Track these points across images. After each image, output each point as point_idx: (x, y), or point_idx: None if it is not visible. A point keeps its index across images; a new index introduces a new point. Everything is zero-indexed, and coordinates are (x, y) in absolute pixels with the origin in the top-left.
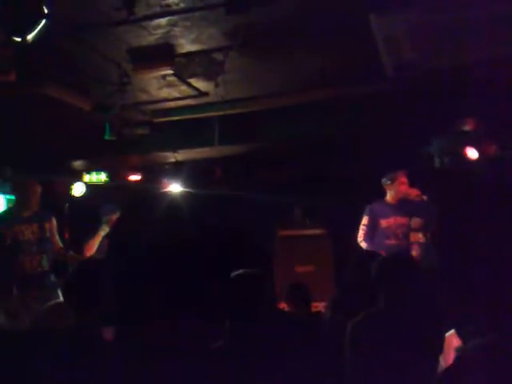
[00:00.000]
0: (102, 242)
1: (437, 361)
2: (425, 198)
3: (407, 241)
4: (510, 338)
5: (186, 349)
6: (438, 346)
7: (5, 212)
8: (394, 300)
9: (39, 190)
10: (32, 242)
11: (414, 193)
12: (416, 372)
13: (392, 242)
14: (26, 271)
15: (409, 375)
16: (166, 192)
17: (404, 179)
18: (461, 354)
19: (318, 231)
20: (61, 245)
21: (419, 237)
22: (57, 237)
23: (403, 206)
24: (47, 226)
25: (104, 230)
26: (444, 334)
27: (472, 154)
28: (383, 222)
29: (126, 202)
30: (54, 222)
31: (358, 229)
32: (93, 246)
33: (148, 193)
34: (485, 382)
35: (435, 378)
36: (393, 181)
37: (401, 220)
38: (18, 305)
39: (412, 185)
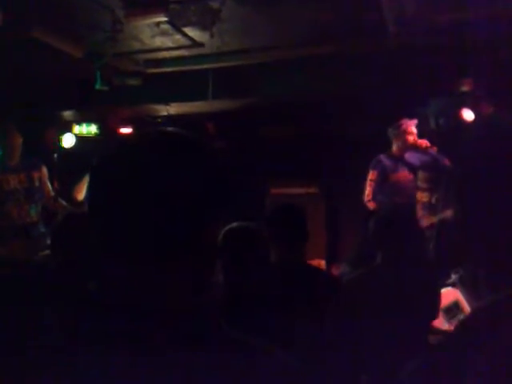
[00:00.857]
0: None
1: (431, 320)
2: (435, 150)
3: (414, 198)
4: None
5: (174, 302)
6: (434, 306)
7: None
8: (391, 259)
9: (20, 139)
10: (19, 192)
11: (423, 143)
12: (411, 332)
13: (402, 199)
14: (13, 221)
15: (403, 335)
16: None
17: (412, 129)
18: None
19: (310, 189)
20: (52, 193)
21: (423, 196)
22: (48, 185)
23: (412, 160)
24: (36, 175)
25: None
26: (439, 297)
27: (468, 115)
28: (392, 177)
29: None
30: (45, 170)
31: (353, 188)
32: (82, 189)
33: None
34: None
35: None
36: (400, 130)
37: (410, 175)
38: (5, 254)
39: (421, 136)
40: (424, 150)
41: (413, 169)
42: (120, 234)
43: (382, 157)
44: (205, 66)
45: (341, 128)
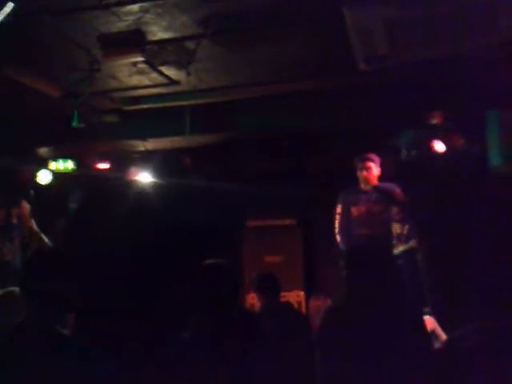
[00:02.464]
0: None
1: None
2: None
3: (383, 229)
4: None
5: (152, 339)
6: (411, 338)
7: None
8: (359, 294)
9: None
10: None
11: (372, 181)
12: (390, 365)
13: (363, 231)
14: None
15: (382, 367)
16: (132, 182)
17: (365, 164)
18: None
19: (287, 221)
20: (35, 229)
21: (396, 227)
22: (30, 221)
23: (376, 193)
24: (15, 211)
25: None
26: (419, 326)
27: (439, 147)
28: (353, 210)
29: (92, 191)
30: (25, 206)
31: (328, 219)
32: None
33: (113, 182)
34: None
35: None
36: (355, 165)
37: (374, 207)
38: None
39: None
40: (372, 188)
41: (379, 201)
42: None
43: (346, 191)
44: (182, 103)
45: (315, 161)
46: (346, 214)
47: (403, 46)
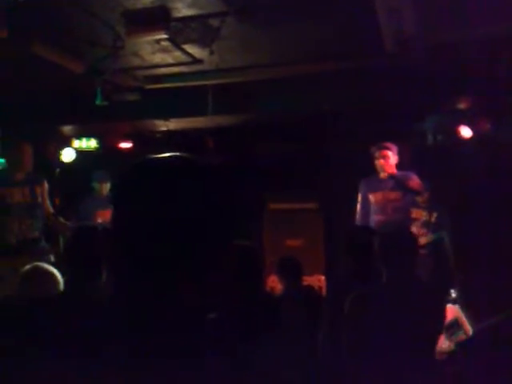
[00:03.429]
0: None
1: (435, 341)
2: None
3: (399, 215)
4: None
5: (180, 320)
6: (440, 320)
7: None
8: (395, 277)
9: (31, 150)
10: (22, 207)
11: (387, 170)
12: (417, 346)
13: (382, 217)
14: (14, 235)
15: (410, 349)
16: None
17: (382, 153)
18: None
19: (309, 205)
20: (51, 210)
21: (422, 214)
22: (48, 201)
23: (392, 181)
24: (39, 190)
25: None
26: (443, 316)
27: (466, 132)
28: (371, 197)
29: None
30: (46, 186)
31: (350, 204)
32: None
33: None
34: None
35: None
36: (373, 155)
37: (391, 194)
38: (6, 270)
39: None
40: (389, 176)
41: (395, 188)
42: (142, 251)
43: (366, 179)
44: (204, 82)
45: (339, 144)
46: (364, 201)
47: (432, 27)
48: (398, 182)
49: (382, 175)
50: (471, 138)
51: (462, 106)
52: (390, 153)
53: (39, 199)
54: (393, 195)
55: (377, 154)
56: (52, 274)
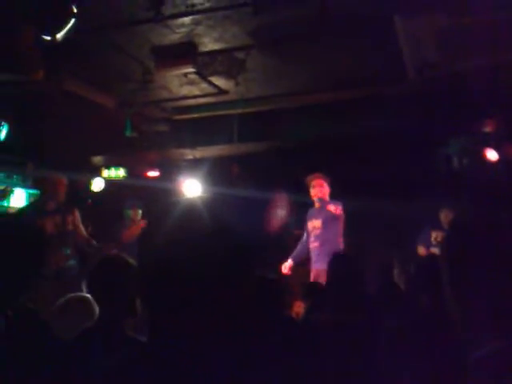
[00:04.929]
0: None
1: None
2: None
3: (328, 243)
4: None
5: (199, 350)
6: None
7: (29, 205)
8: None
9: (66, 183)
10: (54, 235)
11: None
12: None
13: (314, 244)
14: (48, 266)
15: None
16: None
17: (314, 182)
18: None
19: None
20: (86, 235)
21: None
22: (82, 228)
23: (321, 209)
24: (70, 218)
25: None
26: None
27: (492, 155)
28: (308, 225)
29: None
30: (77, 214)
31: (370, 229)
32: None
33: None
34: None
35: None
36: (308, 185)
37: (318, 223)
38: (38, 297)
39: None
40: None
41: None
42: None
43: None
44: (230, 112)
45: (365, 169)
46: (305, 229)
47: (454, 54)
48: (325, 210)
49: (316, 204)
50: (497, 161)
51: (487, 129)
52: (322, 182)
53: (70, 227)
54: (320, 223)
55: (310, 184)
56: (87, 303)
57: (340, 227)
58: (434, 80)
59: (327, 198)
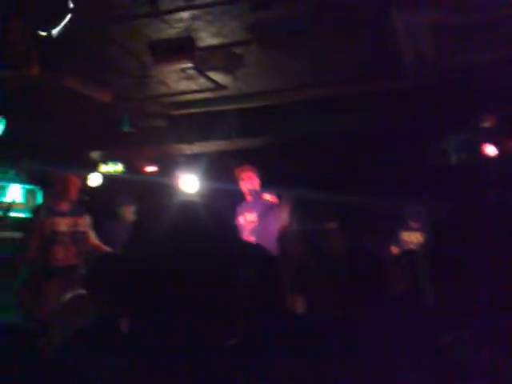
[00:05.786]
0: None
1: None
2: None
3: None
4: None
5: (199, 346)
6: None
7: (42, 204)
8: None
9: (79, 182)
10: (67, 234)
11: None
12: None
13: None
14: (58, 261)
15: None
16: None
17: (244, 175)
18: None
19: (330, 225)
20: (96, 240)
21: None
22: (91, 233)
23: (254, 202)
24: (81, 221)
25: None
26: None
27: (490, 150)
28: (241, 220)
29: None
30: (88, 218)
31: (368, 223)
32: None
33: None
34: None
35: None
36: (238, 177)
37: (250, 216)
38: (43, 293)
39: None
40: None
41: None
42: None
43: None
44: (228, 107)
45: (360, 165)
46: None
47: (453, 50)
48: (259, 203)
49: (247, 197)
50: (496, 157)
51: (486, 124)
52: (250, 175)
53: (81, 229)
54: (253, 216)
55: (240, 176)
56: (87, 302)
57: (277, 216)
58: (432, 75)
59: (259, 188)
